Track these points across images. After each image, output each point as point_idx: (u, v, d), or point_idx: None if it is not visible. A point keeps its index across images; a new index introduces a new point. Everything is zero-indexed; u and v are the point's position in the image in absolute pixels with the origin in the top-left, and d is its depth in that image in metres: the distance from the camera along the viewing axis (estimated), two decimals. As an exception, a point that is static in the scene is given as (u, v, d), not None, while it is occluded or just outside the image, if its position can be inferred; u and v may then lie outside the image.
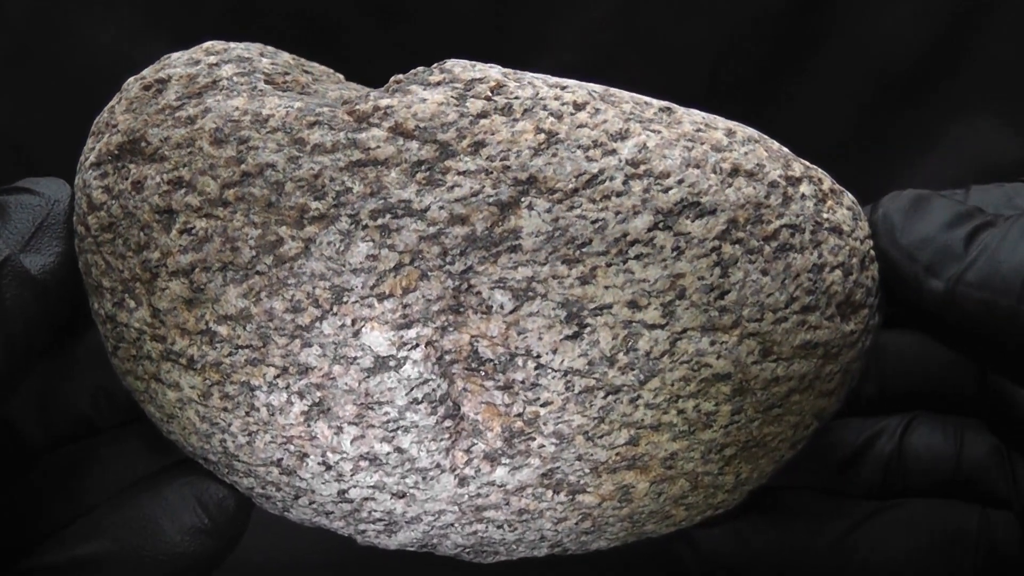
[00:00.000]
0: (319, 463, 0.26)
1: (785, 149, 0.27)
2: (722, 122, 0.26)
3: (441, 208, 0.24)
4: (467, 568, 0.32)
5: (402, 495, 0.26)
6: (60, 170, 0.28)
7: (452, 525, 0.27)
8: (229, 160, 0.24)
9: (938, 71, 0.43)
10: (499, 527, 0.27)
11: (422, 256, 0.24)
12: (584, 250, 0.24)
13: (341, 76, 0.28)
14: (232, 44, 0.27)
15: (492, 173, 0.24)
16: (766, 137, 0.27)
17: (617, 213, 0.24)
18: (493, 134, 0.24)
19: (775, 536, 0.30)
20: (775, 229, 0.25)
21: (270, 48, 0.27)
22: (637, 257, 0.25)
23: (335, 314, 0.24)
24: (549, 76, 0.26)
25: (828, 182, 0.27)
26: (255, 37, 0.28)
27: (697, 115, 0.26)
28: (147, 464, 0.29)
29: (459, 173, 0.24)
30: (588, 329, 0.25)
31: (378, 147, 0.24)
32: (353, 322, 0.24)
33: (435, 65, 0.25)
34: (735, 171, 0.25)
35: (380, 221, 0.24)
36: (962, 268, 0.26)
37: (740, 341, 0.25)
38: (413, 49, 0.41)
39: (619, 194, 0.24)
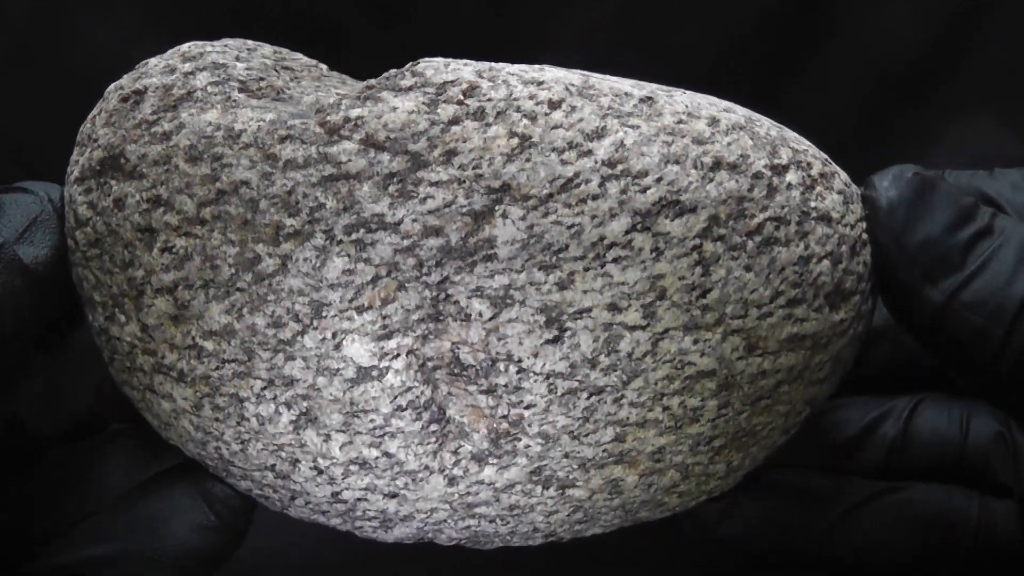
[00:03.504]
0: (311, 467, 0.26)
1: (775, 132, 0.26)
2: (707, 109, 0.26)
3: (414, 221, 0.24)
4: (466, 567, 0.32)
5: (394, 495, 0.26)
6: (59, 170, 0.28)
7: (445, 521, 0.27)
8: (204, 178, 0.24)
9: (938, 71, 0.43)
10: (491, 522, 0.27)
11: (398, 268, 0.24)
12: (561, 256, 0.24)
13: (324, 67, 0.28)
14: (208, 47, 0.26)
15: (465, 182, 0.24)
16: (756, 119, 0.26)
17: (593, 217, 0.24)
18: (465, 141, 0.24)
19: (774, 514, 0.30)
20: (759, 223, 0.25)
21: (251, 43, 0.27)
22: (615, 260, 0.24)
23: (315, 328, 0.24)
24: (527, 69, 0.25)
25: (818, 165, 0.26)
26: (255, 37, 0.28)
27: (680, 103, 0.25)
28: (152, 463, 0.29)
29: (431, 184, 0.24)
30: (568, 333, 0.25)
31: (349, 160, 0.24)
32: (334, 335, 0.24)
33: (407, 67, 0.25)
34: (717, 165, 0.25)
35: (354, 236, 0.24)
36: (958, 282, 0.26)
37: (724, 338, 0.25)
38: (413, 49, 0.41)
39: (595, 197, 0.24)
